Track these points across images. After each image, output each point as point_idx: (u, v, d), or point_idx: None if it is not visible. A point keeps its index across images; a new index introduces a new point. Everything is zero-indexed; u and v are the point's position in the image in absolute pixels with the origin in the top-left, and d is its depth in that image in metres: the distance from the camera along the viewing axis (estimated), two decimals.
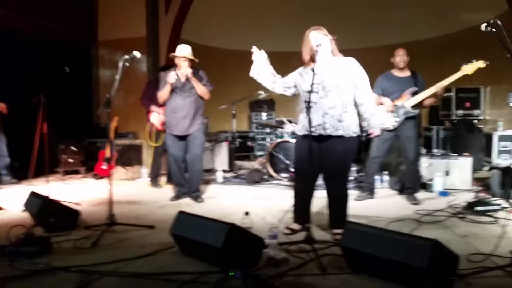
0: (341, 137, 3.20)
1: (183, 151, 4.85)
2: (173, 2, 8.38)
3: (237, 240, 2.57)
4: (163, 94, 4.69)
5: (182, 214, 2.98)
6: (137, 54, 3.61)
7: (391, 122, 4.65)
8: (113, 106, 7.45)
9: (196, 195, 4.83)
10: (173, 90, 4.65)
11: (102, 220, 3.53)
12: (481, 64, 4.30)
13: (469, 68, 4.32)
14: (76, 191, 5.56)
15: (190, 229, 2.78)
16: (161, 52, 8.29)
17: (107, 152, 6.04)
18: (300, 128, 3.42)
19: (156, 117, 5.60)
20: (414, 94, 4.59)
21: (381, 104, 4.67)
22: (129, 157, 6.74)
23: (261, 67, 3.49)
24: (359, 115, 3.36)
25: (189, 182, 4.89)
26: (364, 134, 3.38)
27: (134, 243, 3.22)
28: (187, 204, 4.66)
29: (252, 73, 3.53)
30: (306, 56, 3.31)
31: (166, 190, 5.46)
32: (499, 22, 2.52)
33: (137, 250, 2.98)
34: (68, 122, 7.14)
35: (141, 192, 5.57)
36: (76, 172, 7.00)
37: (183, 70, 4.58)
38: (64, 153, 6.94)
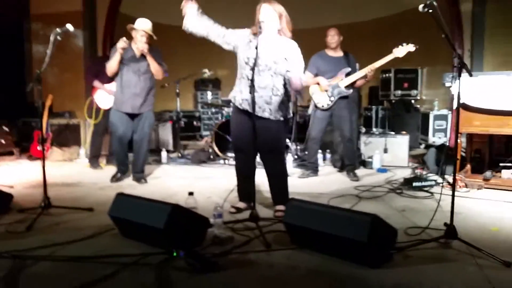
0: (268, 119, 3.20)
1: (130, 131, 4.65)
2: None
3: (180, 220, 2.52)
4: (112, 63, 4.40)
5: (121, 195, 2.86)
6: (70, 27, 3.38)
7: (326, 101, 4.75)
8: (48, 83, 7.12)
9: (140, 176, 4.68)
10: (125, 64, 4.43)
11: (37, 203, 3.34)
12: (411, 47, 4.40)
13: (400, 52, 4.43)
14: (10, 174, 5.24)
15: (130, 211, 2.68)
16: (98, 26, 7.87)
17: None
18: (232, 96, 3.35)
19: (100, 94, 5.36)
20: (347, 74, 4.69)
21: (317, 83, 4.75)
22: (65, 137, 6.44)
23: (194, 18, 3.22)
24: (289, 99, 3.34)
25: (134, 162, 4.72)
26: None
27: (72, 226, 3.07)
28: (129, 185, 4.52)
29: (185, 26, 3.23)
30: (254, 27, 3.23)
31: (106, 172, 5.25)
32: (435, 2, 2.59)
33: (75, 233, 2.84)
34: None
35: (79, 173, 5.33)
36: (10, 153, 6.59)
37: (139, 45, 4.37)
38: None
